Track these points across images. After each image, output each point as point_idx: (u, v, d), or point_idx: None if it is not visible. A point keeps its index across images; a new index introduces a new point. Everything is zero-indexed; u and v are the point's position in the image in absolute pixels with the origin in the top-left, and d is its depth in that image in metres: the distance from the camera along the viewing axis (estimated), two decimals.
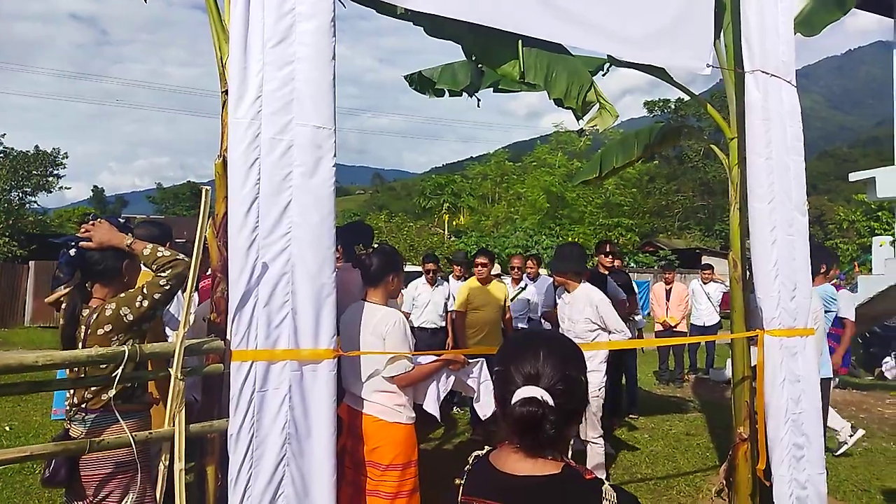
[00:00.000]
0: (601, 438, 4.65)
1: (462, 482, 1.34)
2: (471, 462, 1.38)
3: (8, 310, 18.04)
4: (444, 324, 6.99)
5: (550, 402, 1.22)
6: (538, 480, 1.24)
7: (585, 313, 4.53)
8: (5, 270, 18.73)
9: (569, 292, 4.70)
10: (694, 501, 4.58)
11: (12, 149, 24.07)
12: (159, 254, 2.47)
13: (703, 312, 9.64)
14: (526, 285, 7.19)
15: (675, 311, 9.16)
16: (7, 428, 5.94)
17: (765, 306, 3.87)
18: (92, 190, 79.02)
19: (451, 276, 7.61)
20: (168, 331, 3.34)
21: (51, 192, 25.28)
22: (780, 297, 3.84)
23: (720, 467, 4.66)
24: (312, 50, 2.69)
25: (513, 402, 1.24)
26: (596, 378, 4.44)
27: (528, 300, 6.99)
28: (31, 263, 18.13)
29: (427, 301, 6.95)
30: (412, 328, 6.73)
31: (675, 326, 9.13)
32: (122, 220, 2.65)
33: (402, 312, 6.63)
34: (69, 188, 26.80)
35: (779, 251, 3.87)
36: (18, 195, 23.99)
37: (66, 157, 25.55)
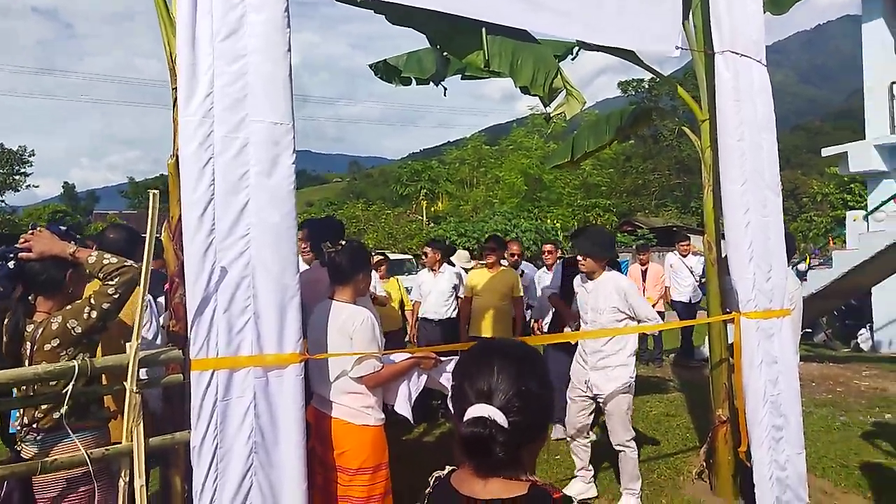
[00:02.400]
0: (633, 442, 4.25)
1: None
2: (431, 484, 1.30)
3: None
4: (451, 314, 6.52)
5: (502, 421, 1.14)
6: (503, 503, 1.16)
7: (612, 301, 4.18)
8: None
9: (591, 279, 4.33)
10: (675, 484, 4.58)
11: None
12: (105, 261, 2.35)
13: (687, 288, 9.28)
14: (523, 272, 6.98)
15: (651, 292, 9.07)
16: None
17: (740, 288, 3.84)
18: (62, 186, 77.55)
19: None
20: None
21: (18, 190, 24.83)
22: (755, 279, 3.81)
23: (700, 449, 4.67)
24: (265, 42, 2.56)
25: (463, 420, 1.16)
26: (625, 373, 4.17)
27: (526, 287, 6.67)
28: None
29: (430, 290, 6.56)
30: (419, 320, 6.60)
31: (654, 307, 9.07)
32: (63, 228, 2.51)
33: (415, 303, 6.45)
34: (38, 186, 26.35)
35: (753, 233, 3.83)
36: None
37: (33, 155, 25.05)
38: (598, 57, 5.87)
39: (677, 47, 3.85)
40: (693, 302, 9.37)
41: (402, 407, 3.05)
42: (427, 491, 1.29)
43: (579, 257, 4.34)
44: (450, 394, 3.09)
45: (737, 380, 3.88)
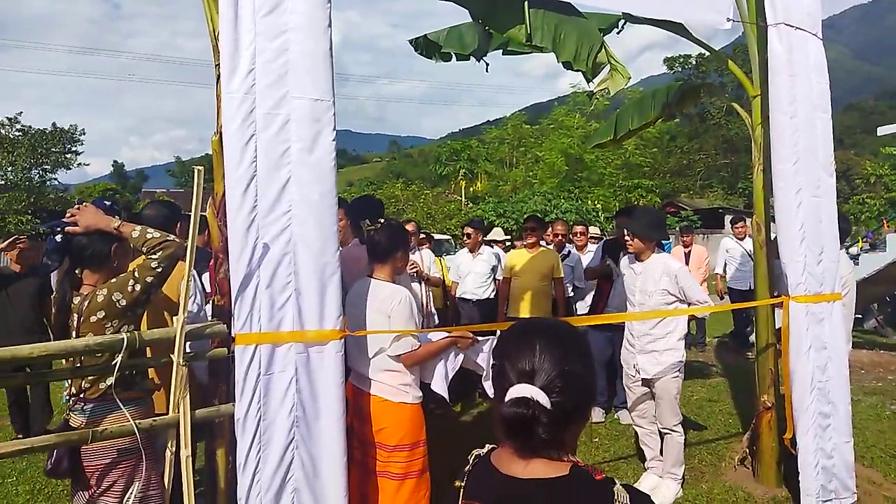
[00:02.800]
0: (680, 426, 4.13)
1: (462, 484, 1.24)
2: (471, 462, 1.29)
3: None
4: (489, 295, 6.52)
5: (545, 402, 1.12)
6: (544, 483, 1.14)
7: (662, 284, 4.03)
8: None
9: (640, 261, 4.18)
10: (716, 470, 4.50)
11: (30, 127, 24.27)
12: (149, 235, 2.40)
13: (746, 273, 8.35)
14: (569, 252, 6.86)
15: (695, 275, 8.81)
16: None
17: (790, 271, 3.72)
18: (112, 165, 79.83)
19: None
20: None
21: (70, 168, 25.56)
22: (805, 262, 3.69)
23: (743, 435, 4.57)
24: (306, 18, 2.55)
25: (505, 400, 1.14)
26: (674, 356, 4.04)
27: (572, 268, 6.55)
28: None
29: (468, 271, 6.56)
30: (457, 300, 6.61)
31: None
32: (108, 203, 2.57)
33: (453, 283, 6.44)
34: (88, 164, 27.03)
35: (804, 214, 3.70)
36: (38, 173, 24.26)
37: (84, 134, 25.73)
38: (643, 32, 5.74)
39: (729, 19, 3.71)
40: (752, 289, 8.82)
41: (439, 385, 3.06)
42: (467, 469, 1.28)
43: (627, 237, 4.23)
44: (485, 374, 3.10)
45: (784, 365, 3.78)
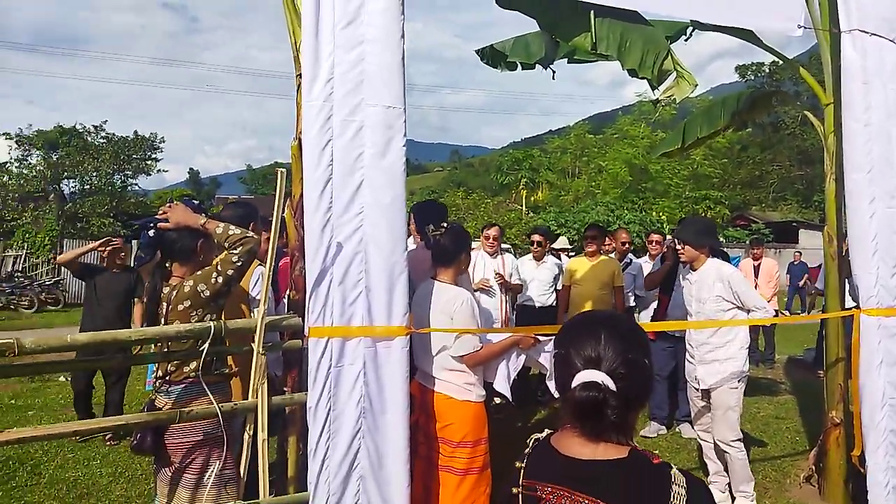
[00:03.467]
0: (740, 442, 4.00)
1: (522, 466, 1.32)
2: (531, 445, 1.37)
3: None
4: (551, 302, 6.52)
5: (612, 386, 1.19)
6: (605, 465, 1.22)
7: (716, 290, 4.00)
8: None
9: (694, 270, 4.16)
10: (781, 487, 4.40)
11: (113, 134, 25.69)
12: (230, 232, 2.59)
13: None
14: (630, 261, 6.82)
15: (764, 289, 8.52)
16: None
17: (862, 284, 3.63)
18: (188, 172, 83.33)
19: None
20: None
21: (150, 174, 26.88)
22: (878, 274, 3.59)
23: (810, 452, 4.45)
24: (381, 31, 2.70)
25: (573, 386, 1.22)
26: (733, 366, 3.96)
27: (634, 276, 6.54)
28: (134, 243, 19.46)
29: (532, 278, 6.57)
30: (520, 307, 6.68)
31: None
32: (196, 202, 2.78)
33: (516, 284, 6.48)
34: (167, 171, 28.34)
35: (878, 224, 3.60)
36: (121, 178, 25.64)
37: (164, 142, 27.04)
38: (713, 39, 5.69)
39: (800, 26, 3.66)
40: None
41: (501, 385, 3.15)
42: (526, 451, 1.36)
43: (678, 246, 4.20)
44: (549, 373, 3.15)
45: (854, 380, 3.68)
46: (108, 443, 5.14)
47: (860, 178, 3.60)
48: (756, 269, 8.71)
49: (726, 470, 4.13)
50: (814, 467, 4.30)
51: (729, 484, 4.21)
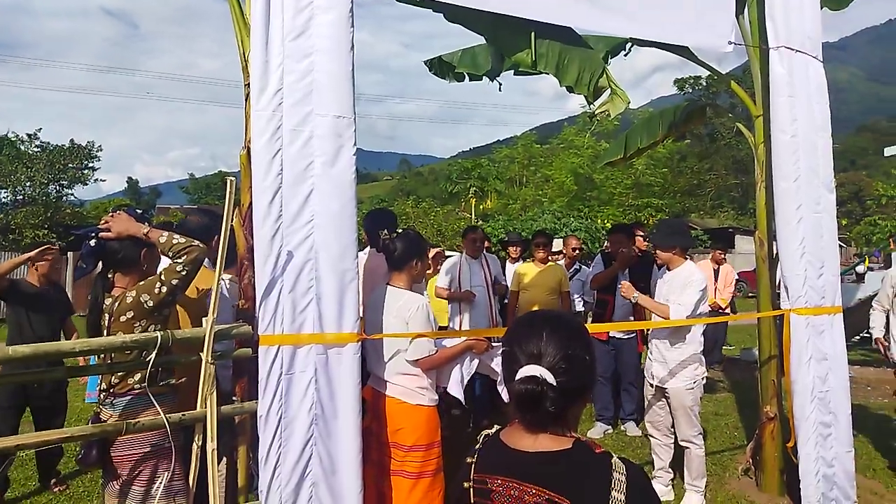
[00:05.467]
0: (700, 438, 4.16)
1: (473, 460, 1.38)
2: (480, 441, 1.43)
3: None
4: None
5: (551, 380, 1.26)
6: (550, 455, 1.28)
7: (677, 293, 4.12)
8: None
9: (669, 270, 4.29)
10: (720, 480, 4.59)
11: (48, 143, 24.74)
12: (175, 241, 2.56)
13: None
14: (580, 268, 7.01)
15: (724, 293, 8.75)
16: None
17: (791, 284, 3.84)
18: (126, 181, 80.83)
19: (507, 260, 7.23)
20: None
21: (86, 184, 25.92)
22: (806, 276, 3.81)
23: (747, 446, 4.66)
24: (331, 42, 2.73)
25: (515, 379, 1.29)
26: (690, 367, 4.10)
27: (583, 282, 6.72)
28: (70, 255, 18.69)
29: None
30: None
31: (725, 309, 8.72)
32: (139, 211, 2.74)
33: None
34: (104, 180, 27.45)
35: (805, 229, 3.83)
36: (56, 188, 24.64)
37: (101, 150, 26.16)
38: (653, 54, 5.91)
39: (730, 42, 3.87)
40: None
41: (455, 389, 3.20)
42: (476, 447, 1.42)
43: (654, 252, 4.35)
44: (500, 378, 3.23)
45: (786, 376, 3.88)
46: (57, 488, 4.50)
47: (788, 186, 3.82)
48: (716, 273, 8.91)
49: (670, 466, 4.29)
50: (751, 460, 4.50)
51: (672, 479, 4.38)
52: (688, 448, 4.17)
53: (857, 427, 4.14)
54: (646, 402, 4.51)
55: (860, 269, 10.94)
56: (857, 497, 3.94)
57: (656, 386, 4.22)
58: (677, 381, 4.12)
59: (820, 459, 3.76)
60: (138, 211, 2.83)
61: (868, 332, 10.88)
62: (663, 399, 4.25)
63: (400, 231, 3.35)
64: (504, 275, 6.36)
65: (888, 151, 11.34)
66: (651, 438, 4.46)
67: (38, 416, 4.52)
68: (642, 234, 6.30)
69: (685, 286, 4.08)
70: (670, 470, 4.35)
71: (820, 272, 3.86)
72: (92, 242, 2.61)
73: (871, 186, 39.05)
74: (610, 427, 5.91)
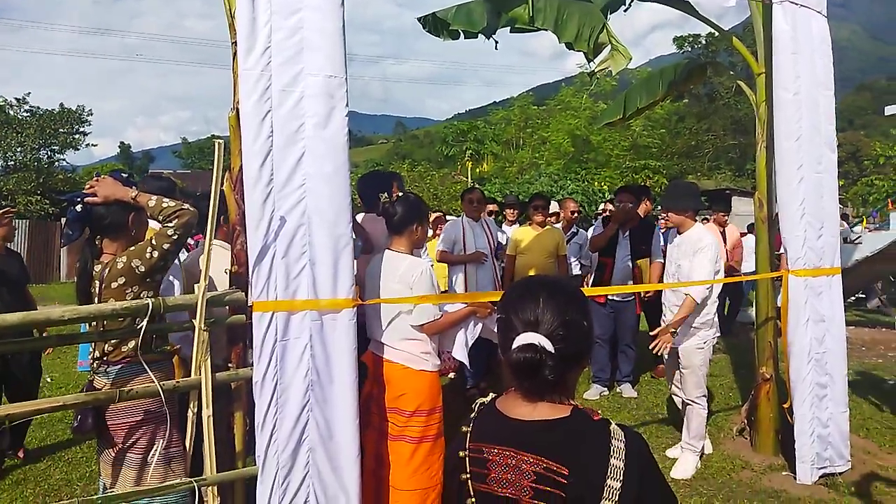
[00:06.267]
0: (704, 399, 4.16)
1: (469, 429, 1.35)
2: (476, 409, 1.40)
3: (44, 266, 18.63)
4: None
5: (549, 347, 1.22)
6: (548, 423, 1.26)
7: (690, 256, 4.09)
8: (39, 228, 19.26)
9: (680, 233, 4.24)
10: (715, 440, 4.62)
11: (38, 107, 24.34)
12: (164, 205, 2.49)
13: None
14: (577, 231, 6.96)
15: (736, 254, 8.46)
16: (48, 379, 6.19)
17: (790, 246, 3.82)
18: (119, 146, 79.77)
19: (504, 223, 7.19)
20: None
21: (78, 149, 25.61)
22: (805, 237, 3.79)
23: (742, 407, 4.69)
24: None
25: (512, 348, 1.25)
26: (702, 328, 4.11)
27: (580, 246, 6.71)
28: (63, 220, 18.56)
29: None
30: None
31: (739, 270, 8.37)
32: (125, 175, 2.66)
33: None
34: (96, 145, 27.10)
35: (806, 189, 3.79)
36: (47, 153, 24.37)
37: (91, 115, 25.78)
38: (652, 11, 5.76)
39: None
40: None
41: (460, 353, 3.19)
42: (472, 416, 1.39)
43: (663, 214, 4.31)
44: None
45: (783, 337, 3.88)
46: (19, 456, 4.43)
47: (790, 145, 3.77)
48: (723, 235, 8.67)
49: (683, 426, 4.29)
50: (746, 421, 4.54)
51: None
52: (691, 407, 4.18)
53: (852, 387, 4.16)
54: (666, 366, 4.54)
55: (857, 229, 10.88)
56: (851, 456, 3.99)
57: (671, 348, 4.22)
58: (689, 340, 4.12)
59: (815, 420, 3.79)
60: (124, 175, 2.75)
61: (863, 294, 11.00)
62: (677, 359, 4.26)
63: (400, 195, 3.28)
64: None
65: (888, 111, 11.23)
66: (675, 398, 4.47)
67: (14, 386, 4.41)
68: (649, 199, 6.23)
69: (696, 252, 4.03)
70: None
71: (819, 233, 3.84)
72: (78, 208, 2.54)
73: (869, 146, 38.83)
74: (606, 389, 5.95)
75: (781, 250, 4.11)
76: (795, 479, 3.86)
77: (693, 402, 4.16)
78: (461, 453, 1.32)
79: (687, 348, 4.13)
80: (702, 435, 4.20)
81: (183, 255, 3.23)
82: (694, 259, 4.03)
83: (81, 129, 25.30)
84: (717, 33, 5.51)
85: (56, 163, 25.03)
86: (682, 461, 4.17)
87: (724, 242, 8.24)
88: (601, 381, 5.95)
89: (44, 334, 3.07)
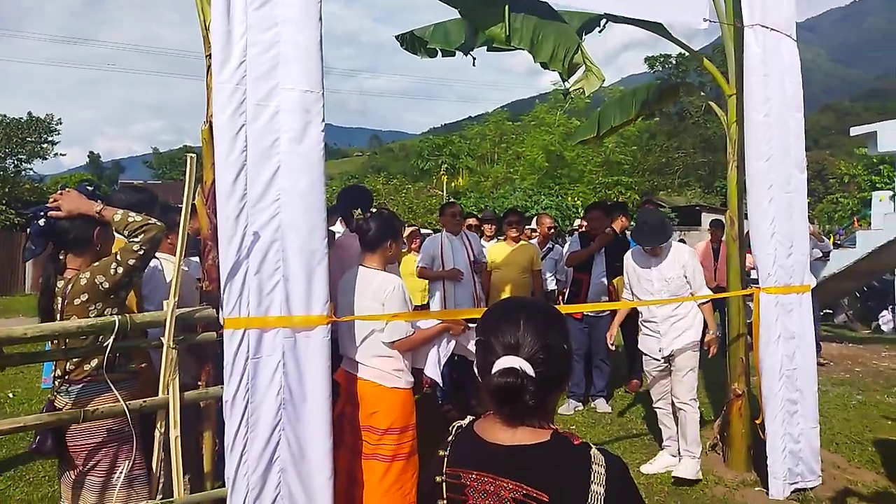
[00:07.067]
0: (696, 402, 4.25)
1: (446, 454, 1.32)
2: (453, 433, 1.37)
3: (8, 278, 18.15)
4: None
5: (530, 372, 1.21)
6: (527, 449, 1.23)
7: (677, 269, 4.29)
8: (4, 239, 18.78)
9: (655, 255, 4.36)
10: None
11: (5, 116, 23.84)
12: (130, 219, 2.42)
13: None
14: (553, 246, 6.97)
15: (723, 271, 8.41)
16: (10, 395, 6.00)
17: (761, 264, 3.87)
18: (88, 156, 78.45)
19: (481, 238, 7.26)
20: None
21: (46, 158, 25.13)
22: (776, 255, 3.84)
23: (714, 423, 4.72)
24: (297, 11, 2.62)
25: (492, 372, 1.23)
26: (696, 334, 4.24)
27: (556, 261, 6.73)
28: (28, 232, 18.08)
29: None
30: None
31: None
32: (90, 188, 2.59)
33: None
34: (64, 154, 26.60)
35: (776, 209, 3.85)
36: (13, 163, 23.84)
37: (60, 123, 25.32)
38: (625, 31, 5.86)
39: (705, 19, 3.83)
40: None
41: (432, 370, 3.15)
42: (449, 439, 1.36)
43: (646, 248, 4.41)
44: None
45: (755, 354, 3.93)
46: None
47: (760, 165, 3.83)
48: (716, 253, 8.40)
49: (678, 434, 4.36)
50: (719, 436, 4.57)
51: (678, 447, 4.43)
52: (683, 411, 4.24)
53: (820, 402, 4.21)
54: (648, 378, 4.59)
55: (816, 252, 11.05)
56: (821, 471, 4.04)
57: (664, 356, 4.29)
58: (685, 345, 4.22)
59: (787, 436, 3.83)
60: (89, 188, 2.66)
61: (830, 309, 11.21)
62: (666, 369, 4.34)
63: (374, 211, 3.24)
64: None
65: (854, 131, 11.55)
66: (658, 410, 4.52)
67: None
68: (625, 216, 6.24)
69: (683, 260, 4.27)
70: (678, 438, 4.38)
71: (789, 251, 3.90)
72: (41, 222, 2.45)
73: (834, 165, 39.92)
74: (581, 404, 5.95)
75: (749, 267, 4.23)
76: (768, 494, 3.88)
77: (685, 405, 4.22)
78: (437, 478, 1.29)
79: (683, 354, 4.22)
80: (698, 441, 4.26)
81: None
82: (686, 266, 4.25)
83: (50, 139, 24.84)
84: (687, 54, 5.59)
85: (23, 172, 24.50)
86: (683, 466, 4.20)
87: (717, 260, 8.17)
88: (576, 395, 5.96)
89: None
